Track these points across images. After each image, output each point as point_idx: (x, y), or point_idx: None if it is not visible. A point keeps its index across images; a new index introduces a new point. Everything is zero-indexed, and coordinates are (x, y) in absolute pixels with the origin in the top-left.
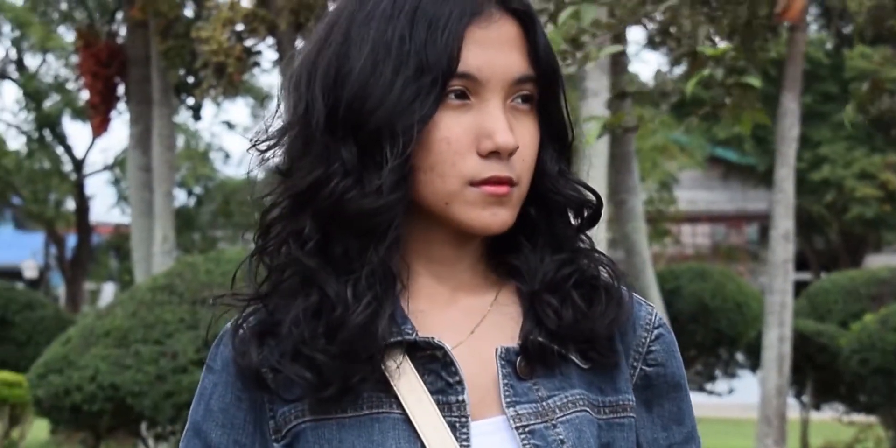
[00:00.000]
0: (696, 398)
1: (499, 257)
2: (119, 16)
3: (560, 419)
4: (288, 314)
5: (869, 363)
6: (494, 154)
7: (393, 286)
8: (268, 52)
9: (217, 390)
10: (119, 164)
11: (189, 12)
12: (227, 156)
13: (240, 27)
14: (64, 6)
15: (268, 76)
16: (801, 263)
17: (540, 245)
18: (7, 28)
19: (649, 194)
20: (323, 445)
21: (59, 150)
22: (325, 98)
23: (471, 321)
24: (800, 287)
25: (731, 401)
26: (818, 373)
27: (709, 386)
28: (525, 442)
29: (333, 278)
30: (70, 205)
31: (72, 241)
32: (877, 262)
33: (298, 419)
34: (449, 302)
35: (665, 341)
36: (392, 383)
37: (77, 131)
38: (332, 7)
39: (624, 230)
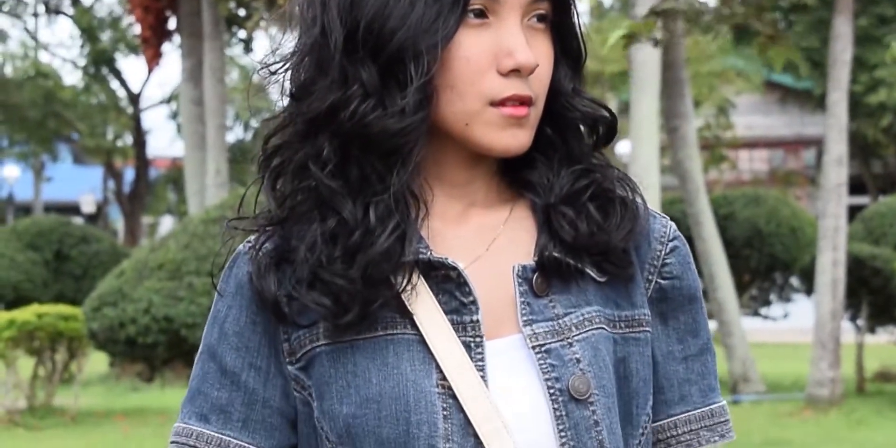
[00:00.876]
0: (751, 323)
1: (513, 173)
2: None
3: (576, 337)
4: (303, 240)
5: None
6: (515, 72)
7: (416, 209)
8: None
9: (231, 313)
10: (175, 98)
11: None
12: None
13: None
14: None
15: None
16: (858, 187)
17: (555, 160)
18: None
19: (706, 120)
20: (338, 369)
21: (115, 84)
22: (343, 19)
23: (485, 238)
24: (857, 211)
25: (786, 325)
26: (872, 296)
27: (764, 310)
28: (542, 361)
29: (351, 202)
30: (128, 139)
31: (129, 175)
32: None
33: (314, 343)
34: (462, 220)
35: (680, 254)
36: (407, 304)
37: (132, 66)
38: None
39: (678, 157)
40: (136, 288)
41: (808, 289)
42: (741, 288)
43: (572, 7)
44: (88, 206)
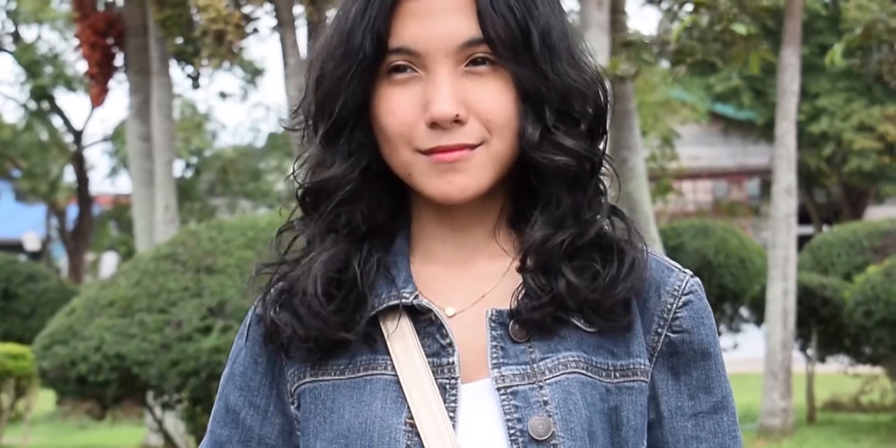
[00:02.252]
0: None
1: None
2: None
3: (548, 380)
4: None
5: (873, 315)
6: (437, 124)
7: (401, 251)
8: (266, 18)
9: (241, 354)
10: (117, 134)
11: None
12: (222, 127)
13: None
14: None
15: (264, 44)
16: (802, 217)
17: (552, 214)
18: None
19: (651, 151)
20: (318, 405)
21: (58, 122)
22: (307, 95)
23: (484, 286)
24: (802, 241)
25: (737, 356)
26: (822, 326)
27: None
28: (505, 403)
29: (352, 246)
30: (70, 176)
31: (73, 212)
32: (878, 215)
33: (301, 380)
34: (465, 267)
35: (693, 308)
36: (389, 345)
37: (74, 103)
38: None
39: (626, 188)
40: (87, 326)
41: (758, 319)
42: None
43: (528, 47)
44: (32, 244)
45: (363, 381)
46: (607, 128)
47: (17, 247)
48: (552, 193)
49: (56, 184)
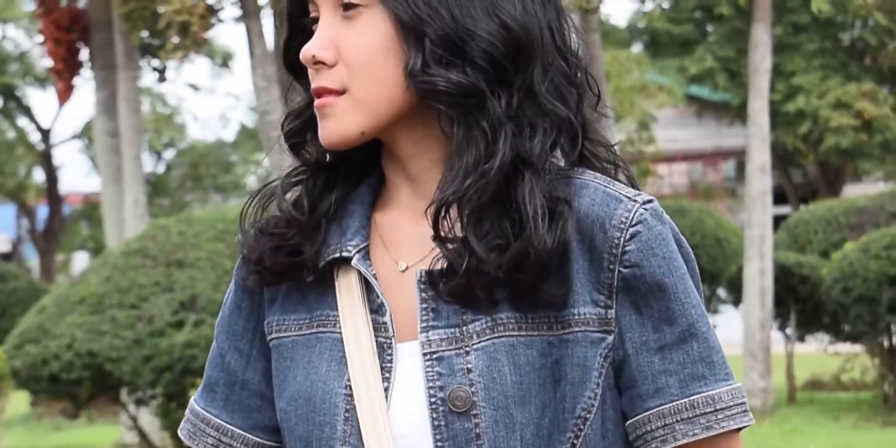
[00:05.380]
0: None
1: None
2: None
3: (475, 345)
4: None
5: (851, 292)
6: (308, 66)
7: (361, 198)
8: (231, 8)
9: (229, 298)
10: (86, 132)
11: None
12: (194, 118)
13: None
14: None
15: (230, 33)
16: (779, 197)
17: (449, 166)
18: None
19: (628, 134)
20: (280, 363)
21: (24, 121)
22: None
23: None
24: (780, 221)
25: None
26: (801, 304)
27: None
28: (429, 370)
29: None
30: (39, 176)
31: (43, 212)
32: (855, 193)
33: (271, 335)
34: (422, 216)
35: (642, 239)
36: (338, 300)
37: (41, 102)
38: None
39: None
40: (57, 323)
41: (736, 299)
42: None
43: None
44: (2, 245)
45: (315, 338)
46: (534, 77)
47: None
48: (452, 138)
49: (24, 183)
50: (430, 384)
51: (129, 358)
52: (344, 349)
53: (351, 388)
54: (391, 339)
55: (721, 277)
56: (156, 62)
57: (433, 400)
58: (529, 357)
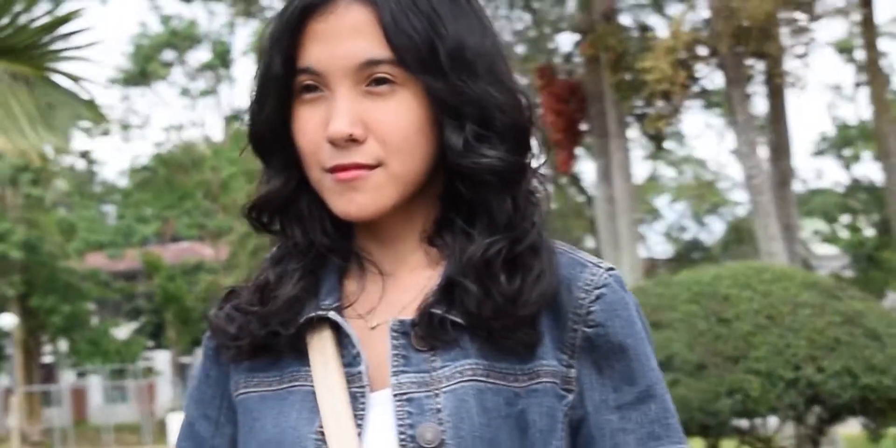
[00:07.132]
0: None
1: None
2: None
3: (444, 389)
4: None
5: None
6: (335, 142)
7: (333, 265)
8: (713, 76)
9: (198, 369)
10: None
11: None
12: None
13: (682, 55)
14: (521, 49)
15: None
16: None
17: (478, 224)
18: None
19: None
20: (247, 416)
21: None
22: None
23: (405, 297)
24: None
25: None
26: None
27: None
28: (399, 409)
29: (292, 259)
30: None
31: None
32: None
33: (237, 391)
34: (395, 278)
35: (606, 301)
36: (310, 357)
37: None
38: None
39: None
40: None
41: None
42: None
43: (439, 64)
44: None
45: (286, 392)
46: (531, 145)
47: None
48: (482, 202)
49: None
50: (400, 422)
51: None
52: (315, 399)
53: (322, 434)
54: (365, 388)
55: None
56: (648, 129)
57: (402, 437)
58: (496, 403)
